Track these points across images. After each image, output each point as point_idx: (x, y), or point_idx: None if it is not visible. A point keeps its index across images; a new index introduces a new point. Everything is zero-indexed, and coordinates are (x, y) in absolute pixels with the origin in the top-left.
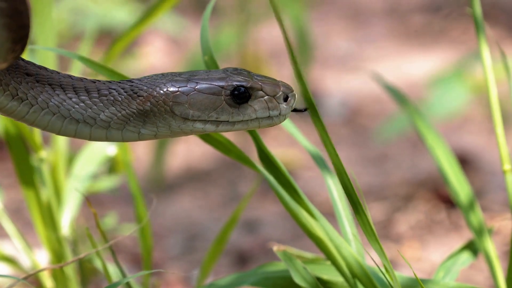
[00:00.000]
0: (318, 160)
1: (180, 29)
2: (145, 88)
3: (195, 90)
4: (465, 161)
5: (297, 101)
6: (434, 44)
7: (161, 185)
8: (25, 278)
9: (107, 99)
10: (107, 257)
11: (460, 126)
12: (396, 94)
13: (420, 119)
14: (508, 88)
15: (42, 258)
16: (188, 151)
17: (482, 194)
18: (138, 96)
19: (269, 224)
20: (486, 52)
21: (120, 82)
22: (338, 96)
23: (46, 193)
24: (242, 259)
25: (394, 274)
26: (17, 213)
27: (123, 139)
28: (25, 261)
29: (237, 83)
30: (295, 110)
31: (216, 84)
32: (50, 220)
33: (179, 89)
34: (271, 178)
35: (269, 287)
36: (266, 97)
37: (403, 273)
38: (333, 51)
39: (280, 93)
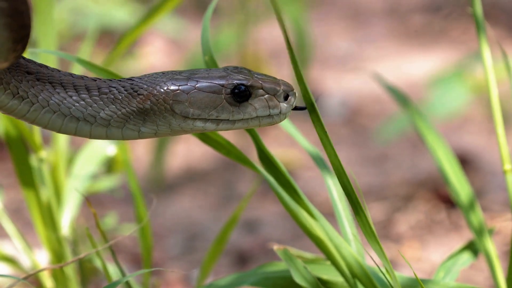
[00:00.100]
0: (318, 160)
1: (180, 30)
2: (145, 86)
3: (195, 89)
4: (465, 161)
5: (297, 99)
6: (434, 44)
7: (161, 185)
8: (25, 278)
9: (107, 97)
10: (107, 257)
11: (460, 126)
12: (396, 94)
13: (420, 119)
14: (508, 88)
15: (42, 258)
16: (188, 151)
17: (482, 194)
18: (139, 94)
19: (269, 224)
20: (487, 51)
21: (120, 81)
22: (338, 96)
23: (46, 193)
24: (242, 259)
25: (394, 274)
26: (17, 213)
27: (123, 137)
28: (25, 261)
29: (237, 81)
30: (295, 108)
31: (217, 82)
32: (50, 220)
33: (179, 87)
34: (271, 178)
35: (269, 287)
36: (266, 95)
37: (403, 273)
38: (333, 51)
39: (281, 91)
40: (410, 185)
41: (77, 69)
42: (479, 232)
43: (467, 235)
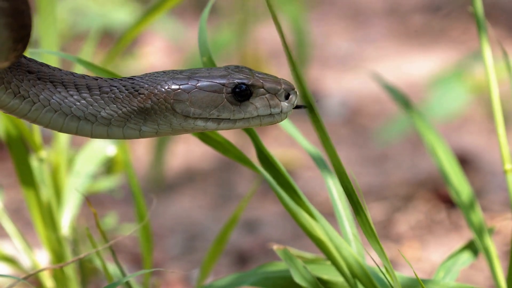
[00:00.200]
0: (318, 160)
1: (180, 30)
2: (146, 85)
3: (196, 88)
4: (465, 161)
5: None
6: (434, 44)
7: (161, 185)
8: (25, 278)
9: (108, 97)
10: (107, 257)
11: (460, 126)
12: (396, 94)
13: (420, 119)
14: (508, 88)
15: (42, 258)
16: (188, 151)
17: (482, 194)
18: (139, 93)
19: (269, 224)
20: (487, 51)
21: (121, 80)
22: (338, 96)
23: (46, 193)
24: (242, 259)
25: (394, 274)
26: (17, 213)
27: (124, 137)
28: (25, 261)
29: (238, 80)
30: (296, 107)
31: (217, 81)
32: (50, 220)
33: (180, 86)
34: (270, 178)
35: (269, 287)
36: (267, 94)
37: (403, 273)
38: (333, 51)
39: (282, 90)
40: (410, 185)
41: (79, 69)
42: (479, 232)
43: (467, 235)
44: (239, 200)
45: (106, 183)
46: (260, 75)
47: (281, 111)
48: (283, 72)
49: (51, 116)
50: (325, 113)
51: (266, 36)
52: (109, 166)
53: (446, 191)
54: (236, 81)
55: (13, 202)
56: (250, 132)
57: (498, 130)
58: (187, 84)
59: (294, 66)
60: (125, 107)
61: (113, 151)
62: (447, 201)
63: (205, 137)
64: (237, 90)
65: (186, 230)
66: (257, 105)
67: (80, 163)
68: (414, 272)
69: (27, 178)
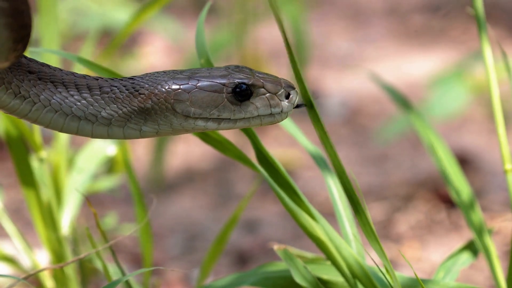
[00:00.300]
0: (318, 160)
1: (180, 30)
2: (146, 85)
3: (196, 88)
4: (465, 161)
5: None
6: (434, 44)
7: (161, 185)
8: (25, 278)
9: (108, 97)
10: (107, 257)
11: (460, 126)
12: (395, 95)
13: (419, 119)
14: (508, 88)
15: (42, 258)
16: (187, 151)
17: (482, 194)
18: (140, 93)
19: (269, 224)
20: (488, 51)
21: (122, 80)
22: (338, 96)
23: (46, 193)
24: (242, 259)
25: (394, 274)
26: (17, 213)
27: (124, 137)
28: (25, 261)
29: (238, 80)
30: (297, 106)
31: (218, 81)
32: (50, 220)
33: (181, 86)
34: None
35: (269, 287)
36: (267, 94)
37: (403, 273)
38: (333, 51)
39: (282, 90)
40: (410, 185)
41: (79, 69)
42: (479, 232)
43: (467, 235)
44: (239, 200)
45: (106, 183)
46: (260, 75)
47: (281, 111)
48: (283, 72)
49: (51, 116)
50: (325, 113)
51: (266, 36)
52: (109, 166)
53: (446, 191)
54: (236, 81)
55: (13, 202)
56: (248, 132)
57: (498, 130)
58: (188, 84)
59: (295, 65)
60: (126, 107)
61: (113, 151)
62: (447, 201)
63: (205, 136)
64: (238, 90)
65: (186, 230)
66: (258, 105)
67: (80, 163)
68: (414, 272)
69: (27, 178)
